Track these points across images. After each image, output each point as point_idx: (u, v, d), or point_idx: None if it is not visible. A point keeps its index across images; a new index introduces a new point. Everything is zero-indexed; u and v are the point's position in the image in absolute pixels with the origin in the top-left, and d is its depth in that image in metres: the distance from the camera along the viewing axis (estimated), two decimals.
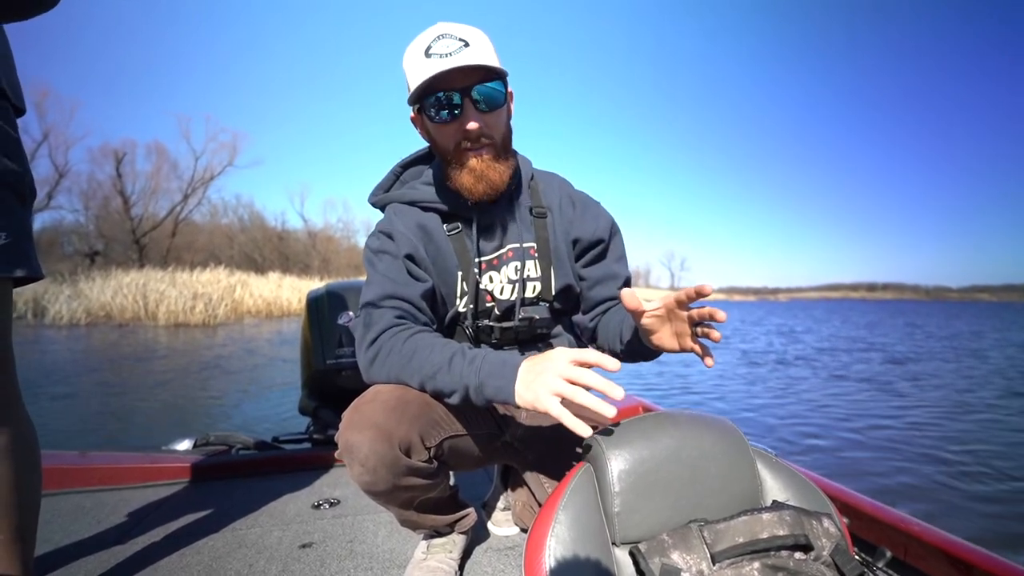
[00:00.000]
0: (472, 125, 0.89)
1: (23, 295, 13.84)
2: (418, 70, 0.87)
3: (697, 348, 0.83)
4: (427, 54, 0.86)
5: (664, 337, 0.86)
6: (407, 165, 1.09)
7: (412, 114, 0.98)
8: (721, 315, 0.76)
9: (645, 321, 0.85)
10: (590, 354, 0.73)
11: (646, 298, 0.84)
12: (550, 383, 0.73)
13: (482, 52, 0.87)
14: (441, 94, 0.88)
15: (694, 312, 0.79)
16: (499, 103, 0.91)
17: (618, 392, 0.70)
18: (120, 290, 15.73)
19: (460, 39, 0.87)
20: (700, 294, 0.75)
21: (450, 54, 0.85)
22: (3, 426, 0.85)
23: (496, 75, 0.89)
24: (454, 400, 0.84)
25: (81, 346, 9.86)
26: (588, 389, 0.72)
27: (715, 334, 0.81)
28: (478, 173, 0.92)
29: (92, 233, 28.75)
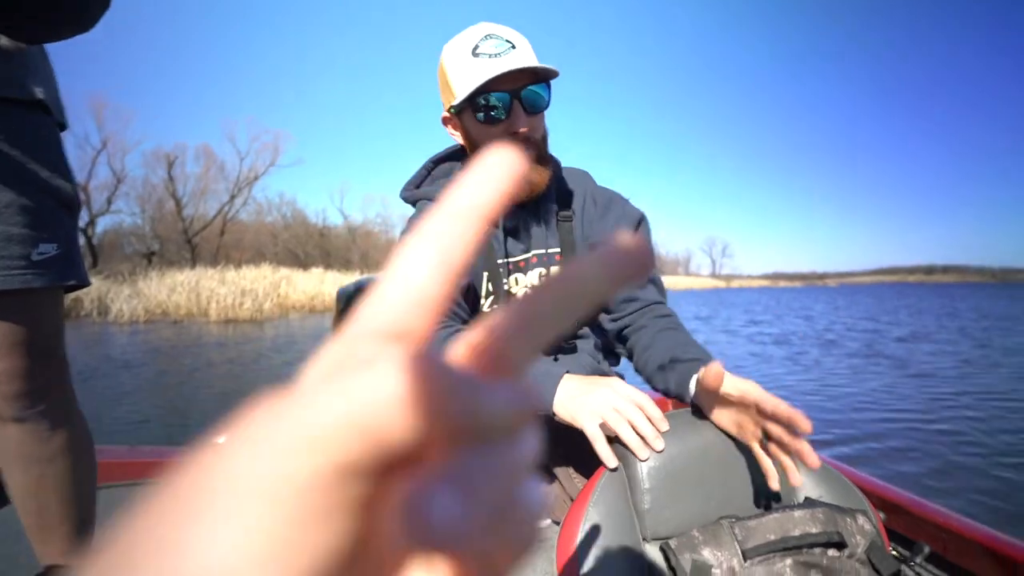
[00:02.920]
0: (522, 127, 0.89)
1: (88, 294, 14.76)
2: (467, 70, 0.87)
3: (764, 461, 0.68)
4: (475, 54, 0.86)
5: (722, 417, 0.74)
6: (438, 161, 1.10)
7: (445, 113, 0.98)
8: (805, 425, 0.62)
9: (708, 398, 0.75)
10: (649, 405, 0.74)
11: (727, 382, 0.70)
12: (598, 405, 0.74)
13: (529, 54, 0.88)
14: (493, 96, 0.87)
15: (767, 406, 0.66)
16: (545, 106, 0.91)
17: (658, 445, 0.70)
18: (175, 288, 16.57)
19: (507, 40, 0.87)
20: (791, 424, 0.62)
21: (499, 55, 0.85)
22: (61, 425, 0.91)
23: (544, 78, 0.89)
24: None
25: (141, 343, 10.47)
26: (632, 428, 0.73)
27: (799, 447, 0.63)
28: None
29: (148, 234, 30.43)
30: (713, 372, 0.68)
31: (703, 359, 0.81)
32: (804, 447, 0.62)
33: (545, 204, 1.03)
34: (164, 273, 18.51)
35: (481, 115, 0.89)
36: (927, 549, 0.67)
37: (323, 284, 20.78)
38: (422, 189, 1.07)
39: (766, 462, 0.68)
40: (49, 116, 0.88)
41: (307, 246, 38.54)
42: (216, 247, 31.53)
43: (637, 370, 0.98)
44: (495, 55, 0.85)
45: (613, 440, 0.74)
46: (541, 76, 0.88)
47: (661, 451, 0.70)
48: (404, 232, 1.04)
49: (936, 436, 3.89)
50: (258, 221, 36.79)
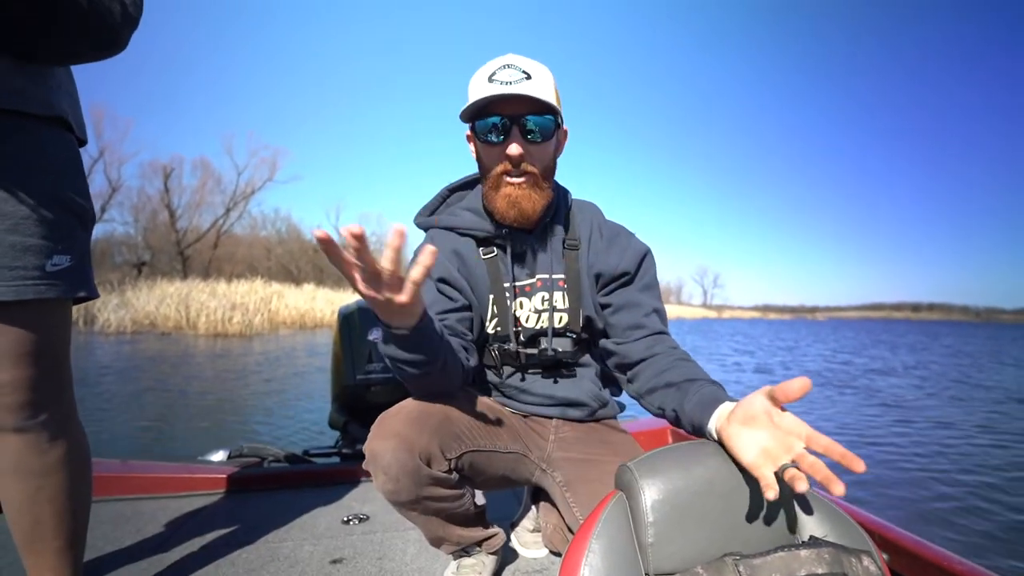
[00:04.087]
0: (514, 150, 0.92)
1: None
2: (478, 92, 0.92)
3: (775, 490, 0.62)
4: (490, 79, 0.91)
5: (748, 440, 0.67)
6: (454, 189, 1.13)
7: (468, 131, 1.02)
8: (859, 466, 0.58)
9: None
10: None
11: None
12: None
13: (540, 86, 0.91)
14: (495, 119, 0.92)
15: (820, 444, 0.63)
16: (545, 136, 0.94)
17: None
18: (164, 300, 16.40)
19: (524, 71, 0.91)
20: (845, 463, 0.59)
21: (511, 83, 0.90)
22: (62, 437, 0.90)
23: (547, 110, 0.92)
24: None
25: (127, 354, 10.29)
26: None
27: (826, 476, 0.59)
28: (512, 199, 0.95)
29: (140, 244, 30.22)
30: (800, 382, 0.62)
31: (721, 386, 0.81)
32: (832, 476, 0.59)
33: (553, 232, 1.05)
34: (154, 284, 18.33)
35: (482, 136, 0.95)
36: None
37: (315, 300, 20.66)
38: (434, 217, 1.09)
39: (779, 492, 0.63)
40: (71, 133, 0.90)
41: (300, 261, 38.39)
42: (208, 260, 31.30)
43: (639, 394, 0.96)
44: (506, 82, 0.90)
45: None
46: (543, 107, 0.92)
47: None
48: (412, 259, 1.05)
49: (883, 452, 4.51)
50: (252, 235, 36.74)
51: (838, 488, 0.58)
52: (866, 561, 0.63)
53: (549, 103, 0.91)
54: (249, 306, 17.00)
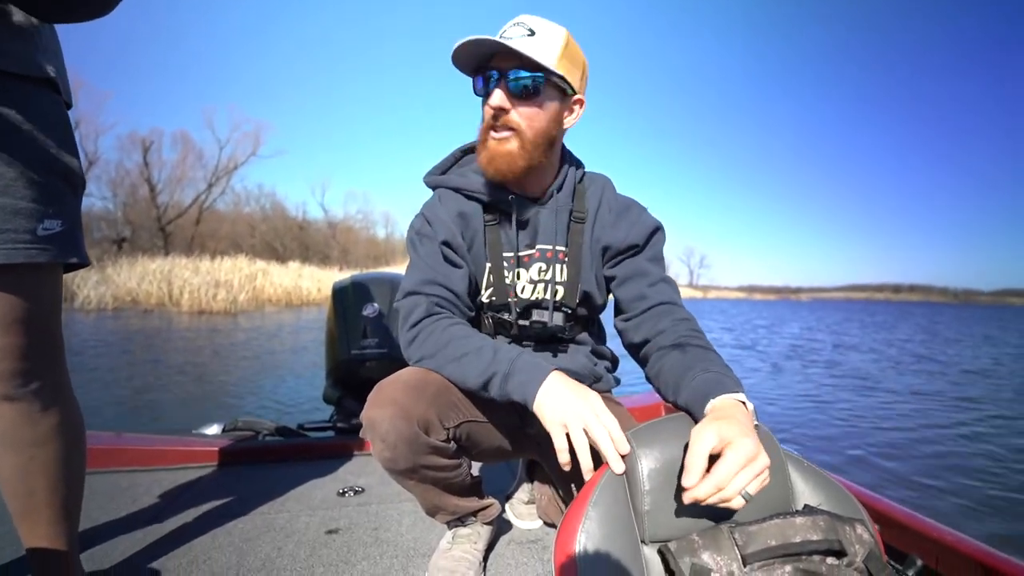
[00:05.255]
0: (495, 99, 0.89)
1: None
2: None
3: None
4: (500, 35, 0.90)
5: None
6: (467, 151, 1.10)
7: None
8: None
9: None
10: (617, 430, 0.74)
11: None
12: (568, 416, 0.77)
13: (539, 45, 0.88)
14: (490, 72, 0.91)
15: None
16: (530, 95, 0.91)
17: (618, 467, 0.71)
18: (146, 276, 16.09)
19: (530, 28, 0.89)
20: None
21: (512, 37, 0.88)
22: (54, 406, 0.89)
23: (536, 66, 0.88)
24: (474, 384, 0.87)
25: (110, 330, 10.14)
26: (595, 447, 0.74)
27: None
28: (490, 155, 0.93)
29: (119, 220, 29.50)
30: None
31: (724, 373, 0.79)
32: None
33: (560, 203, 1.02)
34: (135, 261, 17.96)
35: (476, 91, 0.94)
36: (919, 563, 0.67)
37: (301, 278, 20.44)
38: (444, 177, 1.06)
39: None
40: (58, 94, 0.87)
41: (285, 239, 37.88)
42: (191, 236, 30.76)
43: (648, 379, 0.96)
44: (507, 37, 0.88)
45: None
46: (530, 64, 0.88)
47: (621, 474, 0.71)
48: (416, 217, 1.04)
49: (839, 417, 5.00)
50: (235, 211, 36.12)
51: None
52: (860, 529, 0.65)
53: (532, 58, 0.87)
54: (234, 283, 16.76)
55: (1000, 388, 7.08)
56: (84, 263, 0.90)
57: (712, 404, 0.73)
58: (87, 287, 14.88)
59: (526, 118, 0.92)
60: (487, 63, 0.91)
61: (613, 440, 0.73)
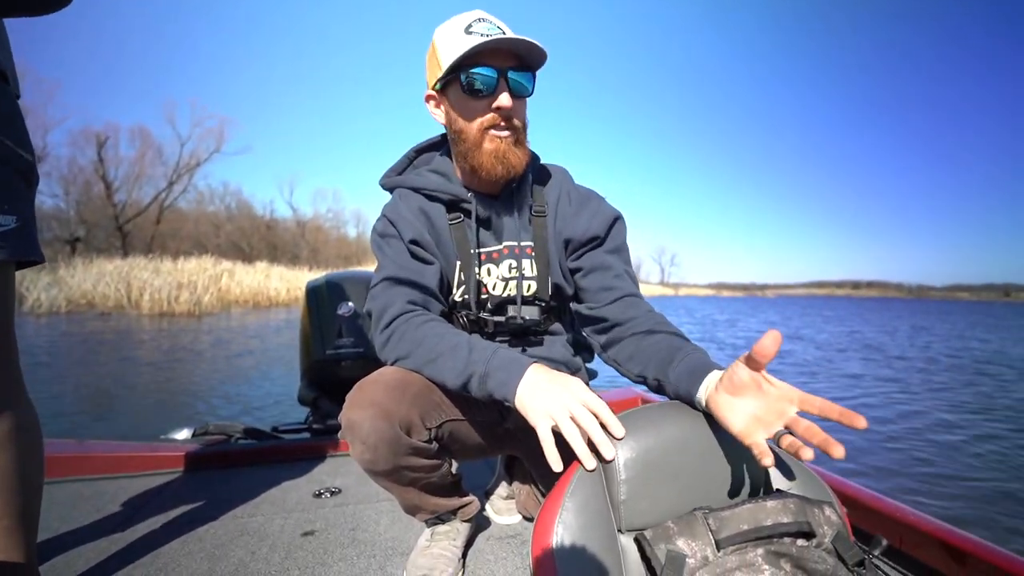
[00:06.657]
0: (506, 100, 0.88)
1: None
2: (458, 43, 0.87)
3: (804, 452, 0.60)
4: (467, 31, 0.87)
5: (738, 408, 0.67)
6: (421, 151, 1.10)
7: (429, 92, 0.97)
8: (862, 422, 0.58)
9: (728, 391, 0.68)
10: (605, 411, 0.73)
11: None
12: (553, 406, 0.74)
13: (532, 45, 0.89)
14: (484, 69, 0.88)
15: (814, 405, 0.63)
16: (528, 92, 0.93)
17: (608, 452, 0.69)
18: (103, 278, 15.45)
19: (498, 26, 0.89)
20: (846, 422, 0.59)
21: (491, 35, 0.86)
22: (6, 411, 0.85)
23: (529, 66, 0.91)
24: (453, 385, 0.85)
25: (63, 335, 9.68)
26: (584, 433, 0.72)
27: (825, 439, 0.59)
28: (500, 153, 0.92)
29: (73, 219, 28.17)
30: (771, 337, 0.61)
31: (705, 353, 0.81)
32: (830, 439, 0.59)
33: (520, 197, 1.02)
34: (91, 262, 17.21)
35: (467, 87, 0.89)
36: (884, 542, 0.71)
37: (268, 279, 19.94)
38: (401, 177, 1.06)
39: (769, 454, 0.65)
40: (7, 85, 0.83)
41: (252, 239, 36.89)
42: (151, 236, 29.63)
43: (617, 361, 0.94)
44: (487, 34, 0.87)
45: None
46: (526, 64, 0.90)
47: (611, 461, 0.69)
48: (378, 220, 1.02)
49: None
50: (199, 210, 35.00)
51: (837, 451, 0.57)
52: (828, 511, 0.68)
53: (544, 52, 0.88)
54: (197, 284, 16.23)
55: (929, 372, 8.02)
56: (39, 260, 0.86)
57: (711, 376, 0.73)
58: (37, 289, 14.18)
59: (520, 116, 0.94)
60: (473, 60, 0.88)
61: (607, 424, 0.72)
